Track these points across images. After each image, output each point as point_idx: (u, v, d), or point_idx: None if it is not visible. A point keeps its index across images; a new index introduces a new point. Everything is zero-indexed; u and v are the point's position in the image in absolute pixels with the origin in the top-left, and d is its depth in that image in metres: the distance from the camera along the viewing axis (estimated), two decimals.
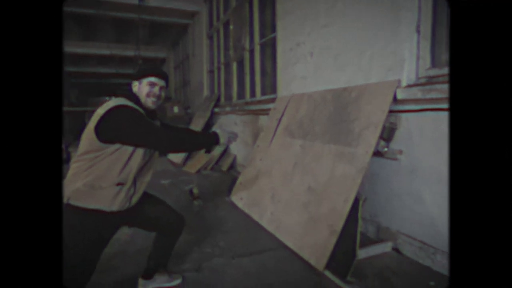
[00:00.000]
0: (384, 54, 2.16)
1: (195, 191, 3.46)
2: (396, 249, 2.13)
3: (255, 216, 2.81)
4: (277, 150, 3.06)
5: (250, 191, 3.13)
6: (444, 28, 1.95)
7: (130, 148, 1.39)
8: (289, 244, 2.24)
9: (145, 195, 1.61)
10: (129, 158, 1.40)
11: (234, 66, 5.18)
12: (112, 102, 1.39)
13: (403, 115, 2.05)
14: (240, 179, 3.46)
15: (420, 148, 1.96)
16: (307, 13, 2.98)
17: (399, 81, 2.04)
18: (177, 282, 1.81)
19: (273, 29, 3.82)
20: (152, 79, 1.50)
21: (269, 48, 4.21)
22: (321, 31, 2.79)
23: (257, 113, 4.18)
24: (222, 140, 1.59)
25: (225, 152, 5.30)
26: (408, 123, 2.03)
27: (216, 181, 4.38)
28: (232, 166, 5.02)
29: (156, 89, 1.51)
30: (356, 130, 2.19)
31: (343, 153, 2.21)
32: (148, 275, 1.76)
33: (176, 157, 5.81)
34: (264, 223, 2.65)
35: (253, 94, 4.53)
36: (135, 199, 1.50)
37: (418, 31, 1.98)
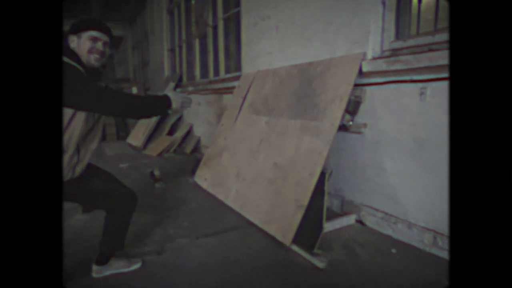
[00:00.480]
0: (349, 27, 2.13)
1: (157, 173, 3.28)
2: (359, 221, 2.17)
3: (220, 196, 2.73)
4: (242, 127, 2.97)
5: (215, 171, 3.03)
6: (408, 0, 1.95)
7: (69, 111, 1.22)
8: (255, 221, 2.19)
9: (91, 167, 1.45)
10: (68, 123, 1.23)
11: (197, 43, 4.93)
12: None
13: (368, 88, 2.06)
14: (204, 159, 3.34)
15: (383, 121, 1.98)
16: None
17: (364, 54, 2.02)
18: (136, 266, 1.68)
19: (237, 3, 3.65)
20: (94, 33, 1.34)
21: (233, 24, 4.04)
22: (287, 4, 2.70)
23: (221, 92, 4.04)
24: (175, 104, 1.38)
25: (188, 134, 5.10)
26: (372, 96, 2.04)
27: (179, 163, 4.20)
28: (196, 148, 4.86)
29: (99, 45, 1.35)
30: (322, 104, 2.16)
31: (308, 128, 2.18)
32: (102, 261, 1.61)
33: (136, 140, 5.50)
34: (229, 202, 2.58)
35: (216, 72, 4.36)
36: (78, 169, 1.35)
37: (383, 3, 1.97)
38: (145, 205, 2.61)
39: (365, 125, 2.09)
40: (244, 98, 3.16)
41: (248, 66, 3.39)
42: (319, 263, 1.65)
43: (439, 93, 1.66)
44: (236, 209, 2.46)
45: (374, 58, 2.00)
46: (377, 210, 2.07)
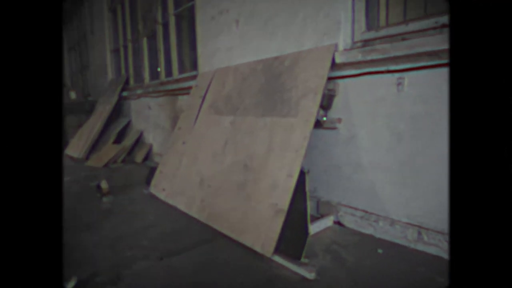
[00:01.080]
0: (317, 18, 2.03)
1: (104, 185, 2.84)
2: (338, 222, 2.05)
3: (182, 206, 2.42)
4: (202, 130, 2.71)
5: (173, 179, 2.71)
6: None
7: None
8: (227, 231, 1.95)
9: None
10: None
11: (145, 42, 4.53)
12: None
13: (341, 81, 1.96)
14: (160, 167, 2.98)
15: (358, 115, 1.90)
16: None
17: (336, 45, 1.93)
18: None
19: None
20: None
21: (186, 20, 3.76)
22: None
23: (175, 93, 3.71)
24: None
25: (137, 142, 4.63)
26: (346, 89, 1.95)
27: (129, 174, 3.75)
28: (148, 157, 4.42)
29: None
30: (293, 99, 2.02)
31: (280, 125, 2.02)
32: None
33: (76, 151, 4.85)
34: (194, 212, 2.29)
35: (169, 73, 4.01)
36: None
37: None
38: (91, 223, 2.20)
39: (339, 120, 1.99)
40: (203, 98, 2.90)
41: (206, 64, 3.15)
42: (308, 273, 1.47)
43: (416, 83, 1.61)
44: (202, 220, 2.18)
45: (346, 50, 1.91)
46: (356, 209, 1.97)
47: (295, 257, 1.56)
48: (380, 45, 1.69)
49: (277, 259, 1.63)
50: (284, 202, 1.73)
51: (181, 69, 3.82)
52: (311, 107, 1.88)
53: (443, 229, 1.56)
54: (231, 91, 2.60)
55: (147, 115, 4.41)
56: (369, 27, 1.91)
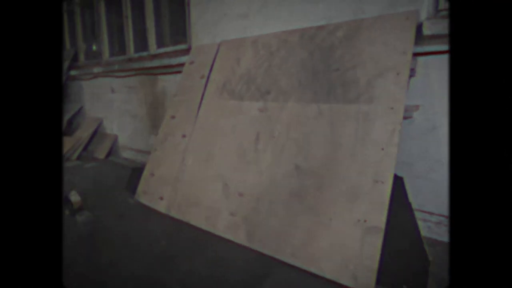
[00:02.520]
0: None
1: (75, 198, 2.07)
2: None
3: (199, 222, 1.84)
4: (212, 119, 2.10)
5: (177, 185, 2.08)
6: None
7: None
8: (285, 258, 1.46)
9: None
10: None
11: (102, 5, 3.55)
12: None
13: (422, 58, 1.57)
14: (149, 168, 2.30)
15: (442, 101, 1.54)
16: None
17: (417, 12, 1.51)
18: None
19: None
20: None
21: None
22: None
23: (154, 72, 2.96)
24: None
25: (95, 132, 3.72)
26: (427, 68, 1.56)
27: (96, 176, 2.93)
28: (112, 151, 3.58)
29: None
30: (362, 81, 1.57)
31: (346, 114, 1.56)
32: None
33: None
34: (221, 231, 1.74)
35: (143, 46, 3.19)
36: None
37: None
38: (68, 266, 1.49)
39: (416, 107, 1.61)
40: (207, 79, 2.27)
41: (203, 35, 2.48)
42: None
43: None
44: (237, 241, 1.65)
45: (428, 18, 1.51)
46: (431, 213, 1.64)
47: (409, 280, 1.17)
48: None
49: None
50: (377, 217, 1.31)
51: (160, 42, 3.04)
52: (395, 91, 1.45)
53: None
54: (253, 69, 2.04)
55: (109, 100, 3.53)
56: None
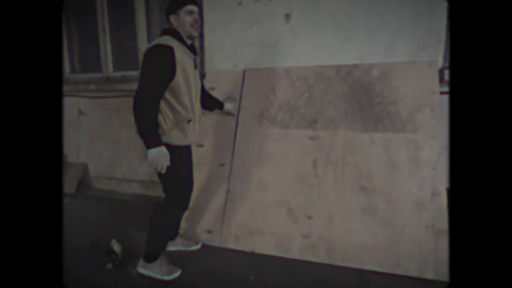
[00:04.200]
0: (416, 30, 2.03)
1: (118, 248, 1.82)
2: None
3: (267, 249, 1.93)
4: (257, 147, 2.18)
5: (227, 215, 2.08)
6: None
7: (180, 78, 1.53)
8: (372, 267, 1.75)
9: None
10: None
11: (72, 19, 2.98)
12: (156, 40, 1.52)
13: (444, 96, 2.07)
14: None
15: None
16: None
17: (437, 62, 2.01)
18: (175, 275, 1.71)
19: None
20: (189, 7, 1.55)
21: None
22: None
23: None
24: (149, 158, 1.47)
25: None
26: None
27: (82, 215, 2.51)
28: (82, 183, 3.08)
29: (195, 16, 1.57)
30: (403, 114, 1.98)
31: (396, 141, 1.94)
32: (149, 259, 1.70)
33: None
34: (296, 254, 1.88)
35: (126, 65, 2.86)
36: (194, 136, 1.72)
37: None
38: None
39: None
40: (239, 106, 2.31)
41: (220, 61, 2.48)
42: None
43: None
44: (318, 260, 1.83)
45: (444, 68, 2.03)
46: None
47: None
48: None
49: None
50: (441, 221, 1.73)
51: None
52: (433, 123, 1.91)
53: None
54: (292, 99, 2.21)
55: (75, 123, 3.03)
56: None
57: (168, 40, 1.50)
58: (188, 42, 1.61)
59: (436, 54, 2.03)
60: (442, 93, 2.01)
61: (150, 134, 1.46)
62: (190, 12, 1.55)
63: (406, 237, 1.76)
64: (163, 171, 1.50)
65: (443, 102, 1.99)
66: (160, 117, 1.53)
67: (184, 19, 1.55)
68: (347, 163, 1.99)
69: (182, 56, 1.52)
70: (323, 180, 2.00)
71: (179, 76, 1.51)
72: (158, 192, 2.84)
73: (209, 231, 2.09)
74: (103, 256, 1.80)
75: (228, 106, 2.15)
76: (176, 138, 1.58)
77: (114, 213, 2.57)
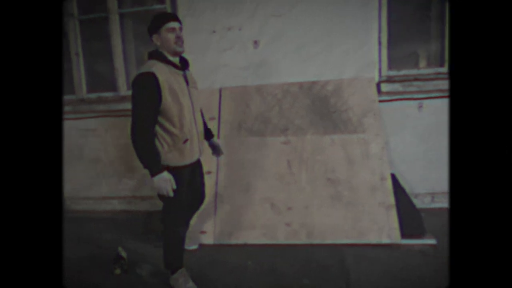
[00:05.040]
0: (358, 53, 2.61)
1: (125, 254, 1.99)
2: None
3: (257, 239, 2.27)
4: (240, 154, 2.53)
5: (220, 216, 2.37)
6: (398, 41, 2.73)
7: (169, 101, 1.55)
8: (343, 240, 2.19)
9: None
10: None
11: None
12: (141, 68, 1.56)
13: (381, 104, 2.65)
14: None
15: (390, 127, 2.69)
16: None
17: (374, 78, 2.61)
18: None
19: None
20: (170, 24, 1.56)
21: (140, 20, 2.98)
22: (274, 20, 2.63)
23: (126, 114, 2.90)
24: (154, 186, 1.55)
25: None
26: (382, 110, 2.67)
27: (74, 235, 2.56)
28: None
29: (177, 33, 1.57)
30: (354, 119, 2.51)
31: (351, 141, 2.46)
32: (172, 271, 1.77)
33: None
34: (283, 239, 2.25)
35: (104, 86, 2.98)
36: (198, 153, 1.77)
37: (379, 42, 2.64)
38: None
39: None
40: (219, 120, 2.64)
41: (197, 80, 2.79)
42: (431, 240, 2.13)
43: (431, 106, 2.62)
44: (300, 242, 2.23)
45: (380, 82, 2.64)
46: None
47: (421, 232, 2.17)
48: (416, 82, 2.57)
49: (405, 241, 2.17)
50: (389, 199, 2.26)
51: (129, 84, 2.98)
52: (376, 125, 2.47)
53: None
54: (265, 112, 2.62)
55: None
56: (391, 67, 2.74)
57: (150, 65, 1.52)
58: (174, 59, 1.61)
59: (373, 72, 2.63)
60: (380, 101, 2.61)
61: (150, 163, 1.51)
62: (172, 30, 1.54)
63: (366, 214, 2.26)
64: (171, 194, 1.54)
65: (381, 108, 2.59)
66: (157, 142, 1.56)
67: (166, 37, 1.54)
68: (316, 161, 2.44)
69: (167, 77, 1.53)
70: (298, 177, 2.42)
71: (167, 99, 1.51)
72: (141, 206, 2.99)
73: (204, 232, 2.35)
74: (111, 263, 1.95)
75: (216, 140, 2.07)
76: (173, 159, 1.59)
77: (93, 230, 2.65)
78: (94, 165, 3.01)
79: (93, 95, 2.99)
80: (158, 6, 2.84)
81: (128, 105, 2.85)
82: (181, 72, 1.63)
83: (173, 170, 1.58)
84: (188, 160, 1.64)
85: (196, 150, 1.69)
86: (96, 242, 2.40)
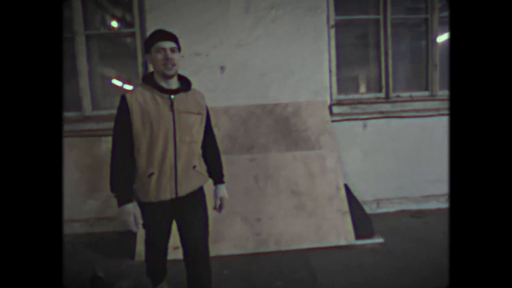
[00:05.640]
0: (311, 80, 2.99)
1: (103, 273, 2.00)
2: None
3: (230, 251, 2.42)
4: None
5: None
6: (344, 69, 3.17)
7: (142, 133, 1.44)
8: (308, 245, 2.46)
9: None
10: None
11: None
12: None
13: (333, 123, 3.04)
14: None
15: (342, 143, 3.10)
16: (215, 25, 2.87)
17: (326, 102, 3.01)
18: None
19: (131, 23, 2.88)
20: (159, 44, 1.42)
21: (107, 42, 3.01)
22: (236, 49, 2.90)
23: (94, 134, 2.89)
24: (118, 215, 1.46)
25: None
26: (335, 128, 3.07)
27: None
28: None
29: (166, 54, 1.42)
30: (312, 137, 2.85)
31: (310, 156, 2.78)
32: None
33: None
34: (252, 249, 2.44)
35: (70, 105, 2.92)
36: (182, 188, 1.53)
37: (330, 71, 3.07)
38: None
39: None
40: None
41: None
42: (379, 239, 2.50)
43: (374, 126, 3.09)
44: (269, 250, 2.44)
45: (331, 105, 3.05)
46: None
47: (370, 234, 2.53)
48: (362, 105, 3.01)
49: (359, 242, 2.50)
50: (344, 206, 2.61)
51: (96, 103, 2.98)
52: (331, 142, 2.84)
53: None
54: (232, 131, 2.84)
55: None
56: (340, 92, 3.16)
57: (134, 88, 1.48)
58: (165, 82, 1.46)
59: (326, 96, 3.03)
60: (332, 121, 3.00)
61: (114, 191, 1.43)
62: (160, 50, 1.41)
63: (326, 220, 2.56)
64: (133, 229, 1.43)
65: (334, 127, 2.98)
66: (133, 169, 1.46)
67: (155, 57, 1.42)
68: (280, 176, 2.71)
69: (143, 100, 1.41)
70: (264, 190, 2.65)
71: (136, 124, 1.40)
72: (105, 227, 2.95)
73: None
74: (89, 282, 1.94)
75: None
76: (137, 193, 1.47)
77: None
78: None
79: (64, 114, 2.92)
80: (127, 30, 2.95)
81: (93, 125, 2.87)
82: (166, 96, 1.45)
83: (141, 205, 1.48)
84: (152, 197, 1.45)
85: (166, 188, 1.45)
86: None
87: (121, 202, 1.40)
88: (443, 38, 3.29)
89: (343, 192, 2.66)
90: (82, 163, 2.91)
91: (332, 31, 3.05)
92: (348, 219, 2.56)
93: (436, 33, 3.17)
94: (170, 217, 1.56)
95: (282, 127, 2.90)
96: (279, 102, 2.99)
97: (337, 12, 3.07)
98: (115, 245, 2.55)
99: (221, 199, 1.69)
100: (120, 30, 2.92)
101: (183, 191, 1.50)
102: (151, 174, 1.43)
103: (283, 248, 2.45)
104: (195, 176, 1.55)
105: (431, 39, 3.18)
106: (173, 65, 1.44)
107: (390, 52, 3.13)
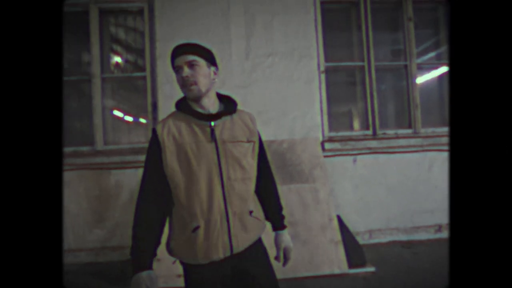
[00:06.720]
0: (304, 119, 3.30)
1: None
2: None
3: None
4: None
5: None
6: (334, 108, 3.50)
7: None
8: (304, 274, 2.60)
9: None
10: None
11: None
12: None
13: (326, 158, 3.30)
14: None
15: (334, 175, 3.33)
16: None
17: (318, 138, 3.29)
18: None
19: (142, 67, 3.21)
20: (175, 62, 1.13)
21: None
22: (239, 90, 3.23)
23: (104, 167, 3.11)
24: (131, 285, 1.07)
25: None
26: (328, 163, 3.32)
27: None
28: None
29: (185, 72, 1.10)
30: (306, 171, 3.09)
31: (304, 189, 3.00)
32: None
33: None
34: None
35: (81, 139, 3.17)
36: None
37: (321, 110, 3.38)
38: None
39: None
40: None
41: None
42: (371, 268, 2.66)
43: (363, 160, 3.35)
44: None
45: (323, 141, 3.32)
46: None
47: (362, 263, 2.68)
48: (350, 141, 3.29)
49: (351, 271, 2.65)
50: (337, 236, 2.78)
51: (106, 137, 3.23)
52: (323, 175, 3.08)
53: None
54: None
55: None
56: (331, 129, 3.46)
57: (167, 117, 1.17)
58: (201, 106, 1.14)
59: (318, 133, 3.32)
60: (324, 156, 3.26)
61: (132, 254, 1.10)
62: (178, 69, 1.12)
63: (320, 249, 2.72)
64: None
65: (326, 162, 3.24)
66: (169, 222, 1.16)
67: (177, 78, 1.13)
68: None
69: (178, 131, 1.11)
70: None
71: (169, 164, 1.09)
72: (110, 257, 3.07)
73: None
74: None
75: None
76: (178, 252, 1.13)
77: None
78: (67, 217, 3.06)
79: (69, 149, 3.16)
80: (138, 74, 3.28)
81: (104, 159, 3.10)
82: (206, 123, 1.12)
83: (188, 267, 1.14)
84: (201, 258, 1.09)
85: (218, 244, 1.09)
86: None
87: (135, 269, 1.07)
88: (422, 79, 3.67)
89: (335, 222, 2.84)
90: (91, 194, 3.10)
91: (323, 76, 3.41)
92: (341, 248, 2.72)
93: (415, 76, 3.55)
94: (223, 282, 1.16)
95: (278, 162, 3.14)
96: (275, 139, 3.26)
97: (326, 59, 3.46)
98: (120, 274, 2.67)
99: (285, 250, 1.37)
100: (132, 74, 3.25)
101: (241, 245, 1.14)
102: (197, 227, 1.08)
103: (279, 276, 2.58)
104: (253, 224, 1.20)
105: (411, 82, 3.55)
106: (192, 84, 1.09)
107: (375, 93, 3.48)
